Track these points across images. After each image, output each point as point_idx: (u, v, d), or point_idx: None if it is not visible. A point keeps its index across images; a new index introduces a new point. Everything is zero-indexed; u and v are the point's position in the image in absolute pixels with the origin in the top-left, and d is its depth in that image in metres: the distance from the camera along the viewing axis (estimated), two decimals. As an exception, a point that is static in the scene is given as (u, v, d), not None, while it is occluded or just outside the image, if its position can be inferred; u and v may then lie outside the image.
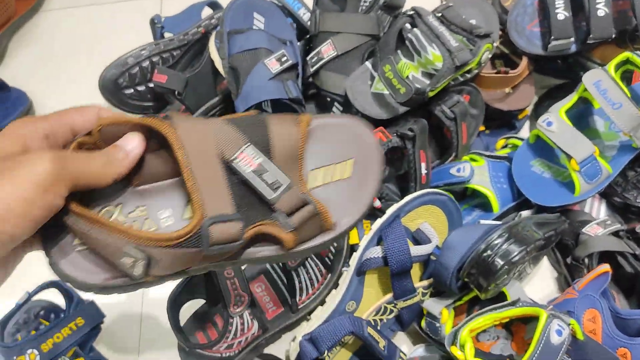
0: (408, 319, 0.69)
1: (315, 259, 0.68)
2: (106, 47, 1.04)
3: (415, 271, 0.69)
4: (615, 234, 0.74)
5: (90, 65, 0.94)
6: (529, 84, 0.86)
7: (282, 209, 0.38)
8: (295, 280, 0.67)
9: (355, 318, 0.63)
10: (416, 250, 0.64)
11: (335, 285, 0.68)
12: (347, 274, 0.67)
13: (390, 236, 0.64)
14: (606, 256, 0.72)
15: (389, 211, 0.66)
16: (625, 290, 0.73)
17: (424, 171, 0.73)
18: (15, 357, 0.70)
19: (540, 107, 0.89)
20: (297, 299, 0.66)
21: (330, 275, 0.69)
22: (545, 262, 0.79)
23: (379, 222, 0.66)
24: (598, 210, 0.79)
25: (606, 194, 0.79)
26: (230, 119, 0.39)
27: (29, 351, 0.70)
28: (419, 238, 0.67)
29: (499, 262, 0.58)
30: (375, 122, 0.76)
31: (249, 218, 0.38)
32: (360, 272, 0.66)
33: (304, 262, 0.68)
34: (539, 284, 0.77)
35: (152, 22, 0.98)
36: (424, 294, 0.67)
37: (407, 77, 0.74)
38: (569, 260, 0.74)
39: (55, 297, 0.75)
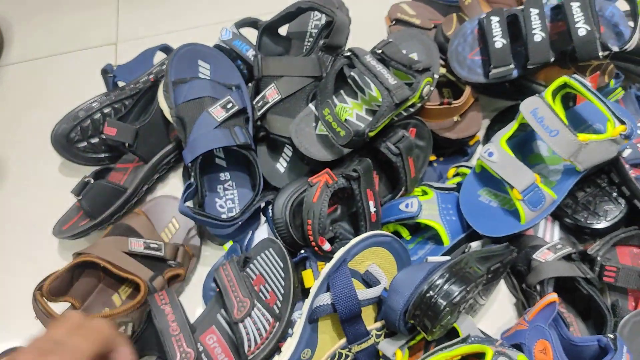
0: (364, 360, 0.69)
1: (261, 308, 0.68)
2: (61, 99, 1.05)
3: (370, 313, 0.69)
4: (568, 257, 0.74)
5: (46, 118, 0.94)
6: (476, 110, 0.87)
7: None
8: (243, 331, 0.67)
9: None
10: (364, 294, 0.64)
11: (285, 333, 0.68)
12: (300, 321, 0.67)
13: (337, 282, 0.64)
14: (562, 279, 0.72)
15: (336, 256, 0.67)
16: (583, 312, 0.74)
17: (372, 209, 0.74)
18: None
19: (492, 131, 0.90)
20: (246, 349, 0.66)
21: (278, 323, 0.69)
22: (504, 288, 0.79)
23: (326, 268, 0.66)
24: (552, 232, 0.80)
25: (558, 216, 0.79)
26: None
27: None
28: (368, 280, 0.68)
29: (441, 303, 0.59)
30: (322, 164, 0.76)
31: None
32: (312, 319, 0.66)
33: (250, 312, 0.68)
34: (498, 311, 0.77)
35: (104, 72, 0.99)
36: (377, 336, 0.67)
37: (346, 120, 0.75)
38: (524, 286, 0.74)
39: None
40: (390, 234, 0.70)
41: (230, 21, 1.01)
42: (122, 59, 1.10)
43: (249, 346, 0.67)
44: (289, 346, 0.66)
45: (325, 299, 0.65)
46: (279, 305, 0.70)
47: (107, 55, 1.15)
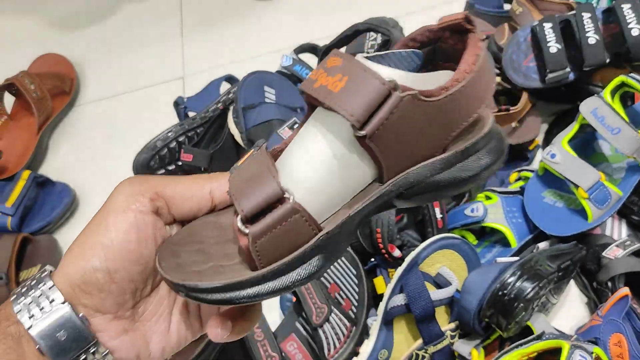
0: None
1: (339, 313, 0.72)
2: (138, 130, 1.13)
3: (442, 314, 0.72)
4: (637, 253, 0.75)
5: (125, 150, 1.02)
6: (534, 115, 0.89)
7: None
8: (322, 336, 0.70)
9: None
10: (437, 295, 0.67)
11: (362, 337, 0.71)
12: (376, 324, 0.70)
13: (409, 283, 0.67)
14: (633, 275, 0.73)
15: (407, 259, 0.70)
16: (656, 307, 0.74)
17: (439, 216, 0.77)
18: None
19: (550, 135, 0.92)
20: (326, 353, 0.70)
21: (354, 327, 0.72)
22: (574, 288, 0.80)
23: (399, 271, 0.70)
24: (619, 230, 0.80)
25: (625, 214, 0.80)
26: None
27: None
28: (440, 282, 0.70)
29: (515, 299, 0.61)
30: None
31: None
32: (388, 321, 0.69)
33: (329, 317, 0.72)
34: (570, 310, 0.78)
35: (176, 104, 1.07)
36: (452, 337, 0.70)
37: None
38: (595, 284, 0.75)
39: None
40: (459, 236, 0.72)
41: (287, 49, 1.07)
42: (190, 91, 1.18)
43: (329, 350, 0.70)
44: (366, 347, 0.69)
45: (399, 299, 0.68)
46: (355, 310, 0.74)
47: (176, 89, 1.23)
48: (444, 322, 0.72)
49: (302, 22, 1.26)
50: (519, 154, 0.91)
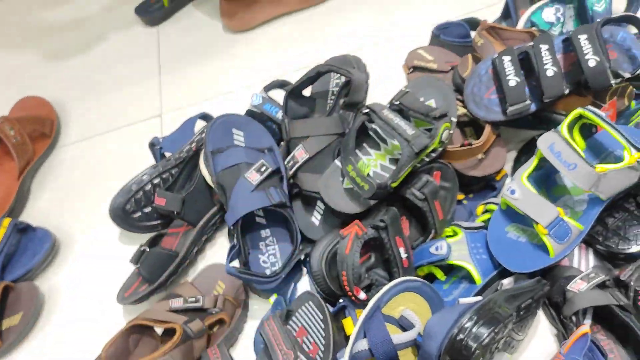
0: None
1: (304, 358, 0.73)
2: (116, 172, 1.15)
3: (410, 356, 0.72)
4: (603, 284, 0.75)
5: (104, 191, 1.04)
6: (499, 146, 0.90)
7: None
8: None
9: None
10: (399, 338, 0.67)
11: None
12: None
13: (372, 328, 0.68)
14: (599, 307, 0.73)
15: (369, 304, 0.71)
16: (623, 338, 0.74)
17: (403, 255, 0.77)
18: None
19: (518, 163, 0.93)
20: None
21: (320, 374, 0.73)
22: (544, 320, 0.80)
23: (362, 316, 0.70)
24: (587, 260, 0.80)
25: (591, 244, 0.80)
26: None
27: None
28: (403, 324, 0.71)
29: (472, 345, 0.61)
30: (352, 215, 0.81)
31: None
32: None
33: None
34: (540, 342, 0.78)
35: (151, 145, 1.08)
36: None
37: (369, 174, 0.79)
38: (561, 317, 0.75)
39: None
40: (419, 279, 0.73)
41: (261, 82, 1.09)
42: (168, 128, 1.19)
43: None
44: None
45: (363, 344, 0.68)
46: (321, 355, 0.74)
47: (154, 126, 1.25)
48: None
49: (276, 55, 1.28)
50: (487, 185, 0.92)
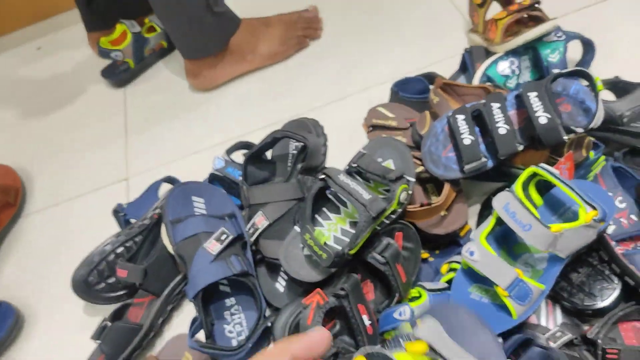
0: None
1: None
2: (81, 240, 1.13)
3: None
4: (570, 343, 0.74)
5: (68, 263, 1.01)
6: (461, 202, 0.90)
7: None
8: None
9: None
10: None
11: None
12: None
13: None
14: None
15: None
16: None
17: (367, 322, 0.76)
18: None
19: (482, 217, 0.92)
20: None
21: None
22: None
23: None
24: (554, 317, 0.79)
25: (557, 300, 0.79)
26: None
27: None
28: None
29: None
30: (313, 283, 0.80)
31: None
32: None
33: None
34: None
35: (115, 213, 1.06)
36: None
37: (325, 243, 0.79)
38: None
39: None
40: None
41: (228, 140, 1.08)
42: (135, 191, 1.18)
43: None
44: None
45: None
46: None
47: (120, 190, 1.24)
48: None
49: (241, 113, 1.29)
50: (453, 241, 0.91)
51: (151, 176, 1.18)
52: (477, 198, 0.96)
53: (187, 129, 1.31)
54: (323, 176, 0.81)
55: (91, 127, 1.40)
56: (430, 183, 0.93)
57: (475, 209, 0.95)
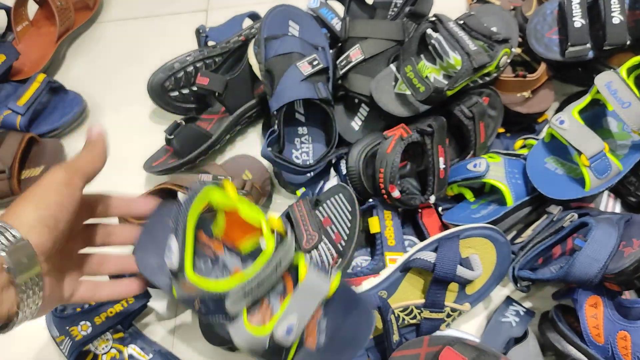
0: (425, 333, 0.73)
1: (328, 243, 0.74)
2: (155, 54, 1.13)
3: (451, 294, 0.73)
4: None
5: (140, 71, 1.03)
6: (548, 89, 0.90)
7: None
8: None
9: (385, 301, 0.68)
10: (461, 271, 0.69)
11: (346, 268, 0.74)
12: (393, 266, 0.73)
13: (446, 247, 0.71)
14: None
15: (453, 229, 0.73)
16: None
17: (442, 166, 0.78)
18: (68, 327, 0.78)
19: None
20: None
21: (341, 259, 0.75)
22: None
23: (442, 234, 0.73)
24: (613, 208, 0.82)
25: (621, 193, 0.82)
26: None
27: (82, 323, 0.78)
28: (465, 265, 0.72)
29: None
30: (398, 120, 0.82)
31: None
32: (405, 268, 0.71)
33: (318, 245, 0.74)
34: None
35: (197, 32, 1.07)
36: (448, 315, 0.72)
37: (427, 77, 0.80)
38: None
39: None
40: (503, 234, 0.74)
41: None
42: (211, 24, 1.18)
43: None
44: (370, 282, 0.72)
45: (430, 256, 0.70)
46: (343, 244, 0.75)
47: (198, 20, 1.24)
48: (449, 300, 0.73)
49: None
50: (527, 127, 0.93)
51: (232, 13, 1.17)
52: (557, 97, 0.97)
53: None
54: (434, 19, 0.81)
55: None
56: (521, 67, 0.94)
57: (553, 108, 0.96)
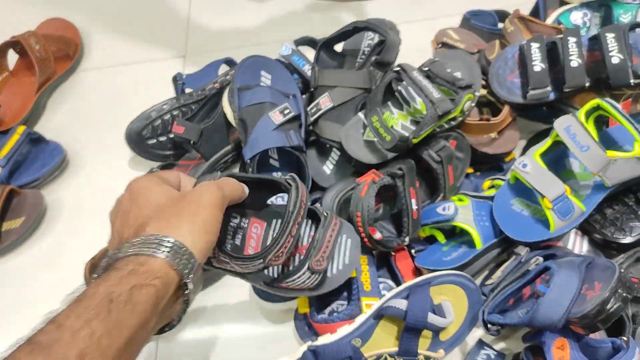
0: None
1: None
2: (133, 102, 1.15)
3: (425, 340, 0.74)
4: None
5: (119, 119, 1.04)
6: (513, 129, 0.93)
7: None
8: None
9: (358, 350, 0.69)
10: (433, 318, 0.71)
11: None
12: (365, 315, 0.74)
13: (417, 294, 0.72)
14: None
15: (424, 277, 0.75)
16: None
17: (414, 207, 0.80)
18: None
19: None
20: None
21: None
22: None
23: (414, 281, 0.74)
24: (580, 246, 0.84)
25: (587, 231, 0.84)
26: None
27: None
28: (437, 312, 0.73)
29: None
30: (367, 166, 0.84)
31: None
32: (378, 315, 0.73)
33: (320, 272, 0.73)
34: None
35: (175, 79, 1.10)
36: None
37: (392, 126, 0.83)
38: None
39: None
40: (475, 283, 0.76)
41: (289, 39, 1.11)
42: (189, 70, 1.20)
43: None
44: (345, 329, 0.73)
45: (402, 303, 0.71)
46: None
47: (176, 66, 1.26)
48: (422, 348, 0.74)
49: (309, 17, 1.30)
50: (495, 166, 0.96)
51: (209, 58, 1.20)
52: (523, 136, 1.00)
53: (251, 22, 1.32)
54: (398, 68, 0.84)
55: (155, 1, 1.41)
56: (486, 107, 0.97)
57: (520, 145, 0.99)
